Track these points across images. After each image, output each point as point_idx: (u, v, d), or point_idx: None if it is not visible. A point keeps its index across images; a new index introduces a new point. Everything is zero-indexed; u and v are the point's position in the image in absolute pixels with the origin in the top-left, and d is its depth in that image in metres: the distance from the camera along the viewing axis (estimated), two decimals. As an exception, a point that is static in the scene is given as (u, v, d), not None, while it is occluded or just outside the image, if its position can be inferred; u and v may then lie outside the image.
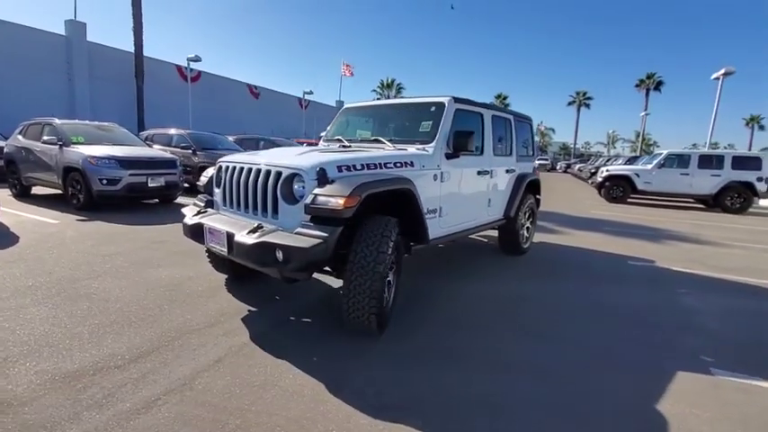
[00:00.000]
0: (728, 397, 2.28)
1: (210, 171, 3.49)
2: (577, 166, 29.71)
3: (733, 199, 11.99)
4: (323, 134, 4.67)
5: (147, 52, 17.50)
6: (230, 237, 2.59)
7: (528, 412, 2.05)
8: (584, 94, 51.35)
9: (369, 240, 2.50)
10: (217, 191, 3.24)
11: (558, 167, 41.53)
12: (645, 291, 4.11)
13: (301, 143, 13.32)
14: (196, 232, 2.92)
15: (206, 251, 3.62)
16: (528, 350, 2.71)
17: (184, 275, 3.81)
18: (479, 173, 4.12)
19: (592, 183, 16.38)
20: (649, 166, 13.05)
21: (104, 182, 6.52)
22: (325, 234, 2.35)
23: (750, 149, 39.42)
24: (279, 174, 2.67)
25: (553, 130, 61.34)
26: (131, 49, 16.93)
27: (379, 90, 43.85)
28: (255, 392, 2.08)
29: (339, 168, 2.68)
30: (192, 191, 9.23)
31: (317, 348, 2.59)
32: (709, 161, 12.31)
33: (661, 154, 13.20)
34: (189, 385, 2.11)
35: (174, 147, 9.44)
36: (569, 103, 52.21)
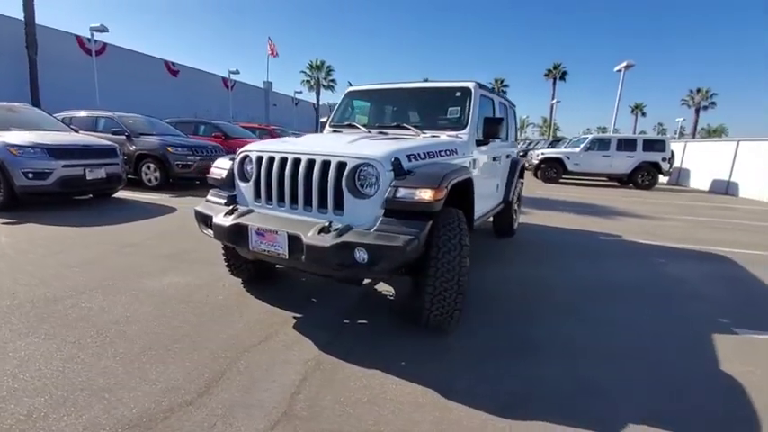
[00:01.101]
0: (765, 351, 2.62)
1: (224, 162, 3.03)
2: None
3: (643, 177, 13.88)
4: (323, 120, 4.32)
5: (41, 21, 14.58)
6: (295, 238, 2.26)
7: (630, 394, 2.13)
8: (502, 81, 54.70)
9: (451, 234, 2.37)
10: (243, 185, 2.81)
11: None
12: (632, 264, 4.55)
13: (248, 128, 12.31)
14: (235, 234, 2.50)
15: (223, 253, 3.17)
16: (580, 332, 2.80)
17: (190, 283, 3.29)
18: (494, 159, 4.16)
19: (529, 166, 17.70)
20: (577, 149, 14.48)
21: (30, 175, 5.35)
22: (416, 230, 2.17)
23: (634, 134, 45.59)
24: (341, 164, 2.39)
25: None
26: (21, 15, 13.91)
27: (307, 71, 41.97)
28: (371, 410, 1.88)
29: (408, 158, 2.48)
30: (136, 184, 8.06)
31: (396, 351, 2.42)
32: (625, 144, 14.04)
33: (587, 138, 14.70)
34: (291, 413, 1.83)
35: (103, 132, 8.05)
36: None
